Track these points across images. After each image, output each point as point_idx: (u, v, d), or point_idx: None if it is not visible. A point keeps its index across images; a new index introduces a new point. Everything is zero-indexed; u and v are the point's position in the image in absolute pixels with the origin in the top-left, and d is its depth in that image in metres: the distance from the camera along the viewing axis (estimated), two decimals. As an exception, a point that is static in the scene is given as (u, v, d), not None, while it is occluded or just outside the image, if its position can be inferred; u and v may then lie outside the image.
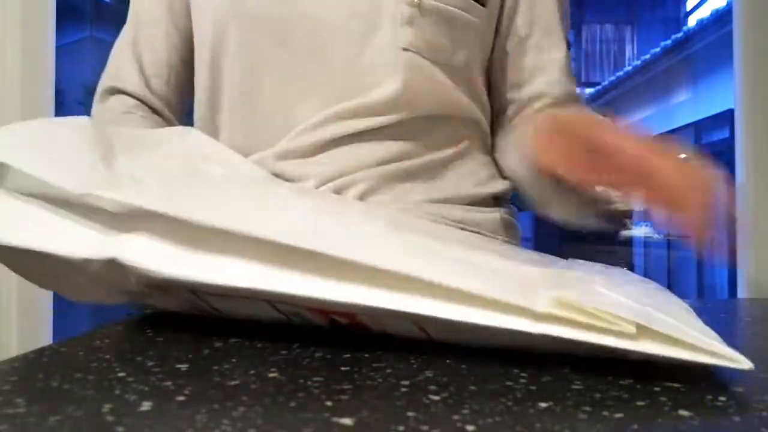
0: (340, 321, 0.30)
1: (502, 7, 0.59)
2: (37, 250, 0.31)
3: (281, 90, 0.54)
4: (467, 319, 0.25)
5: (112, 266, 0.31)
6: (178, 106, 0.65)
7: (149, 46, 0.62)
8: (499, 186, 0.59)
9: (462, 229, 0.55)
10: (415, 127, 0.55)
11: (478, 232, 0.56)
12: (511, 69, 0.61)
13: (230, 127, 0.56)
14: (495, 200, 0.60)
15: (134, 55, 0.62)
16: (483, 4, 0.56)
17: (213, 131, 0.57)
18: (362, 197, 0.53)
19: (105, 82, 0.63)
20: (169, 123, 0.64)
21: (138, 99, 0.62)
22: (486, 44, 0.59)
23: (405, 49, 0.53)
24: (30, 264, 0.35)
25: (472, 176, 0.58)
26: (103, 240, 0.32)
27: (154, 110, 0.63)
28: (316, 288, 0.27)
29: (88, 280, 0.34)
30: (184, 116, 0.68)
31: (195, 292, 0.32)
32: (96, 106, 0.63)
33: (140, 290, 0.33)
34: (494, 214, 0.58)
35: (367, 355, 0.27)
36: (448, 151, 0.57)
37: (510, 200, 0.63)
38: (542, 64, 0.60)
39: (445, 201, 0.56)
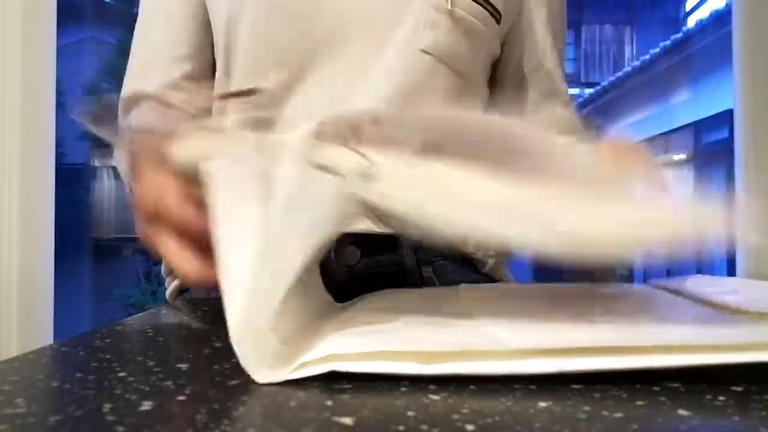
0: None
1: (514, 27, 0.61)
2: None
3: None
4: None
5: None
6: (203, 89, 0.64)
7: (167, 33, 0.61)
8: None
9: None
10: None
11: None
12: (520, 93, 0.63)
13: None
14: None
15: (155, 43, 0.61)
16: (498, 21, 0.57)
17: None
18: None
19: (128, 83, 0.61)
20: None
21: (160, 100, 0.60)
22: (492, 57, 0.60)
23: (424, 51, 0.53)
24: None
25: None
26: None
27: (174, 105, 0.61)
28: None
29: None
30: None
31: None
32: (121, 118, 0.61)
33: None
34: None
35: (367, 355, 0.27)
36: None
37: None
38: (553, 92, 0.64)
39: None
